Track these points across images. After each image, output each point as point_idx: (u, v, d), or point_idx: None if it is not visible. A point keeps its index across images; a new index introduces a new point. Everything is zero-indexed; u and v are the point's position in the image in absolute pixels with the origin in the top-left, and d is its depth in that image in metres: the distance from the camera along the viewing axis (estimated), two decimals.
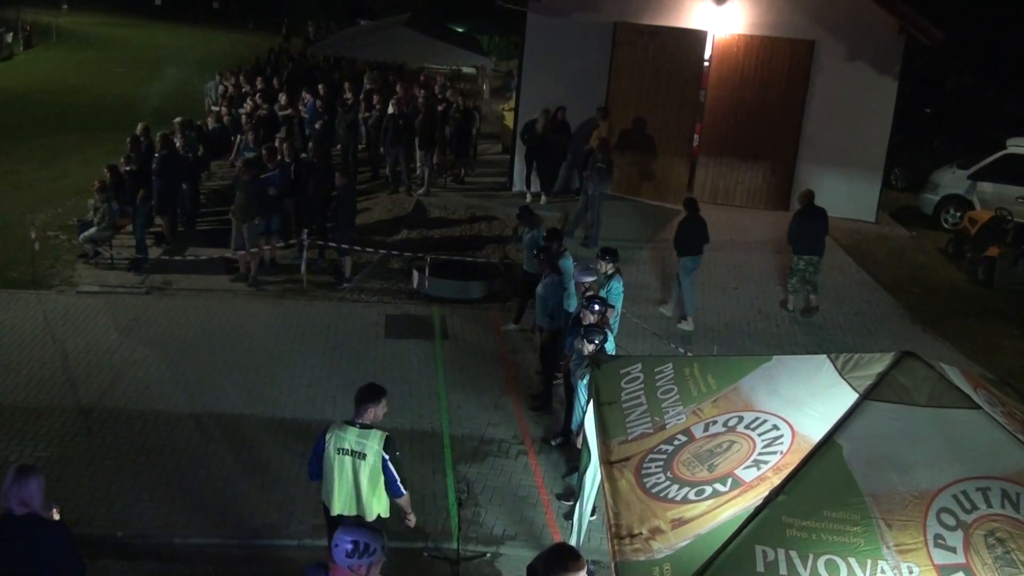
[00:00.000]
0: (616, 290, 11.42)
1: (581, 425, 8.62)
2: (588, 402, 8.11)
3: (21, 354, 12.06)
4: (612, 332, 10.53)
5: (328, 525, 7.43)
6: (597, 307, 9.86)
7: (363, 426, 7.23)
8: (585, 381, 8.95)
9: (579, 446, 8.47)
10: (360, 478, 7.22)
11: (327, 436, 7.27)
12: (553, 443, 10.72)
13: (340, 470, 7.22)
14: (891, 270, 17.52)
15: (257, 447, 10.34)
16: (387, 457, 7.20)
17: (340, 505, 7.33)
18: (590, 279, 10.96)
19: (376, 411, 7.30)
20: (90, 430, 10.42)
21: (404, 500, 7.47)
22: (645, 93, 19.75)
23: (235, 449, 10.28)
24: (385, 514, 7.48)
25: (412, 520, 7.70)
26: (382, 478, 7.27)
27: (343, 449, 7.19)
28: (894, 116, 19.41)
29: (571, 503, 9.14)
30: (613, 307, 11.09)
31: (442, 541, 8.89)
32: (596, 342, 9.13)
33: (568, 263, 12.15)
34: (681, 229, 14.12)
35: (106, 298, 13.97)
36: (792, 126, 19.72)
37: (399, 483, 7.32)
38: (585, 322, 9.71)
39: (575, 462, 9.32)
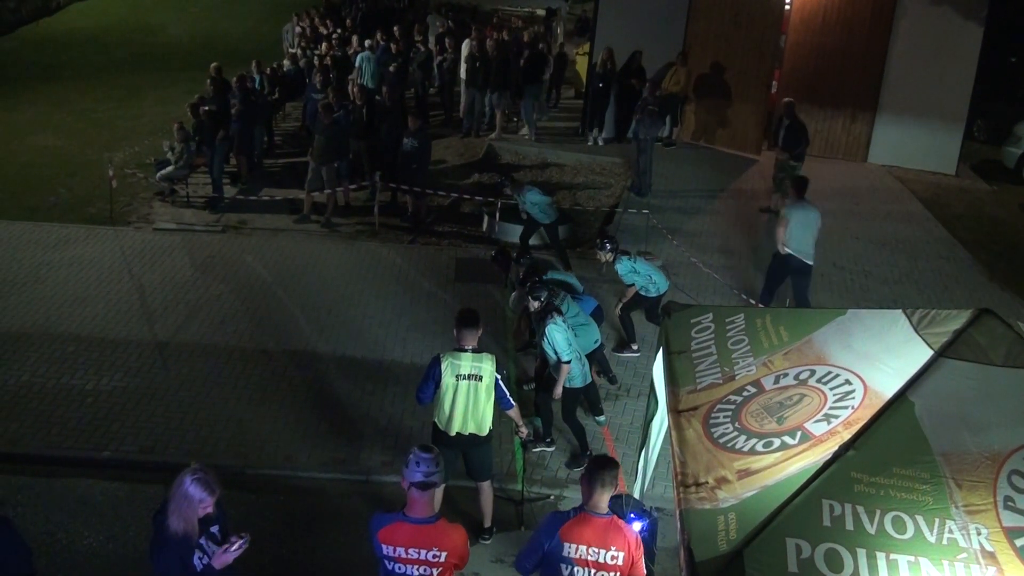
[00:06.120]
0: (623, 271, 11.13)
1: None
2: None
3: (99, 288, 12.39)
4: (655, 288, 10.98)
5: (442, 445, 7.65)
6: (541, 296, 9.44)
7: (475, 351, 7.78)
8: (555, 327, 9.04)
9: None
10: (480, 397, 7.80)
11: (442, 365, 7.72)
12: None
13: (460, 394, 7.76)
14: (970, 225, 17.10)
15: (328, 384, 10.55)
16: (498, 376, 7.83)
17: (460, 424, 7.87)
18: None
19: (479, 335, 7.86)
20: (165, 362, 10.71)
21: (514, 411, 8.14)
22: (723, 37, 19.34)
23: (306, 385, 10.50)
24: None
25: (524, 432, 8.34)
26: (494, 394, 7.84)
27: (461, 375, 7.72)
28: (978, 64, 18.80)
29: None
30: (562, 293, 10.21)
31: (507, 483, 9.01)
32: (541, 299, 9.29)
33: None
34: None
35: (182, 235, 14.24)
36: (874, 74, 19.22)
37: (509, 396, 8.00)
38: (531, 309, 9.51)
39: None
